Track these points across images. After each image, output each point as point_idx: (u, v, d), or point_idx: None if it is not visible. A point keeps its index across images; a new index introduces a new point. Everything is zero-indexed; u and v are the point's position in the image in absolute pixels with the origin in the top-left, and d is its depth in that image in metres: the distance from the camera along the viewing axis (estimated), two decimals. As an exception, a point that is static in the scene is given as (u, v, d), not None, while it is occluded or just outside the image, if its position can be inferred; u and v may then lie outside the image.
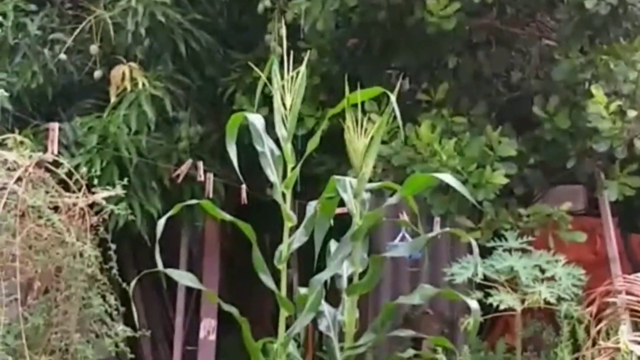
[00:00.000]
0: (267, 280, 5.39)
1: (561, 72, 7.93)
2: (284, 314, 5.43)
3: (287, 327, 5.47)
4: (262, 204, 8.84)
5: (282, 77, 5.57)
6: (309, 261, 5.79)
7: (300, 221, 5.59)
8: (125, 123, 8.55)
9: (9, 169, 6.61)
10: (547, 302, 7.30)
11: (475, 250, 5.22)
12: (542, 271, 7.51)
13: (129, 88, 8.53)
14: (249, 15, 9.28)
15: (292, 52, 5.61)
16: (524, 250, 7.68)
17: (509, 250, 7.67)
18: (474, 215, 7.97)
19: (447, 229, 6.46)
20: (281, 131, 5.45)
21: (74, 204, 6.79)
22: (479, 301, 6.67)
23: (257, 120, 5.53)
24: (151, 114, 8.52)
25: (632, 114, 7.52)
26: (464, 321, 7.51)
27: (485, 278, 7.50)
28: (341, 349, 5.51)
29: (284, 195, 5.45)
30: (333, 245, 5.56)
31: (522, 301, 7.37)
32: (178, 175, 8.51)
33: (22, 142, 7.08)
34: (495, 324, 9.03)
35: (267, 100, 6.94)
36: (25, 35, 9.06)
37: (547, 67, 8.40)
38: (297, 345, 5.92)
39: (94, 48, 8.79)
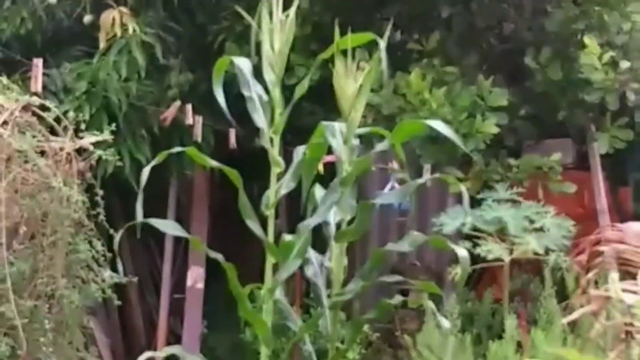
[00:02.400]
0: (255, 226, 5.33)
1: (554, 23, 7.89)
2: (270, 260, 5.39)
3: (274, 274, 5.44)
4: (252, 154, 8.81)
5: (271, 22, 5.48)
6: (298, 212, 5.76)
7: (288, 168, 5.53)
8: (115, 69, 8.48)
9: (-5, 112, 6.57)
10: (535, 253, 7.30)
11: (465, 198, 5.18)
12: (531, 222, 7.49)
13: (119, 34, 8.43)
14: (241, -39, 9.19)
15: (284, 1, 5.52)
16: (513, 202, 7.67)
17: (498, 201, 7.66)
18: (464, 166, 7.95)
19: (437, 175, 6.41)
20: (269, 76, 5.37)
21: (61, 149, 6.75)
22: (467, 251, 6.68)
23: (244, 64, 5.44)
24: (142, 60, 8.45)
25: (625, 65, 7.49)
26: (451, 271, 7.50)
27: (474, 229, 7.48)
28: (328, 295, 5.48)
29: (271, 140, 5.39)
30: (319, 191, 5.50)
31: (511, 252, 7.36)
32: (167, 121, 8.47)
33: (9, 88, 7.00)
34: (482, 276, 9.04)
35: (257, 49, 6.88)
36: (14, -19, 8.97)
37: (539, 19, 8.35)
38: (285, 292, 5.88)
39: (84, -8, 8.70)
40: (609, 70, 7.47)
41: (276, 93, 5.37)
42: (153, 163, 5.35)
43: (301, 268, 5.52)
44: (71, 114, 7.09)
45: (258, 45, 7.61)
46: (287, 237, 5.37)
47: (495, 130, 7.56)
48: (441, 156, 7.57)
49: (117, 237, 5.43)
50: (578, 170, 8.79)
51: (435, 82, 7.77)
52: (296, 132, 6.45)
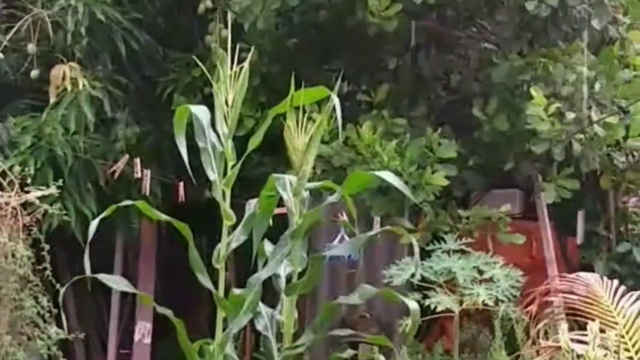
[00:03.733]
0: (205, 280, 5.28)
1: (500, 74, 7.95)
2: (221, 314, 5.33)
3: (224, 328, 5.37)
4: (198, 206, 8.78)
5: (224, 75, 5.46)
6: (245, 264, 5.72)
7: (238, 221, 5.48)
8: (62, 124, 8.41)
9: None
10: (484, 304, 7.30)
11: (416, 250, 5.18)
12: (480, 273, 7.50)
13: (69, 88, 8.37)
14: (188, 15, 9.22)
15: (232, 53, 5.52)
16: (462, 252, 7.67)
17: (448, 252, 7.66)
18: (412, 217, 7.95)
19: (388, 227, 6.40)
20: (222, 128, 5.34)
21: (7, 203, 6.68)
22: (417, 303, 6.67)
23: (202, 113, 5.40)
24: (90, 114, 8.39)
25: (570, 116, 7.55)
26: (401, 323, 7.46)
27: (424, 280, 7.47)
28: (279, 349, 5.43)
29: (223, 193, 5.34)
30: (268, 245, 5.46)
31: (460, 303, 7.35)
32: (114, 175, 8.41)
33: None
34: (432, 327, 9.02)
35: (206, 101, 6.86)
36: (-41, 35, 8.88)
37: (486, 70, 8.42)
38: (235, 347, 5.81)
39: (31, 47, 8.62)
40: (555, 121, 7.53)
41: (229, 145, 5.33)
42: (102, 215, 5.29)
43: (251, 321, 5.47)
44: (17, 169, 7.02)
45: (204, 97, 7.59)
46: (237, 291, 5.32)
47: (444, 182, 7.59)
48: (391, 207, 7.56)
49: (62, 291, 5.34)
50: (526, 220, 8.82)
51: (384, 133, 7.78)
52: (243, 184, 6.42)
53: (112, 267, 9.46)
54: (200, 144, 5.32)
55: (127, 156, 8.43)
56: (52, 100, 8.43)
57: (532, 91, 7.57)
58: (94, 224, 5.21)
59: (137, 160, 8.25)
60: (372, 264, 9.52)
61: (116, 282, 5.66)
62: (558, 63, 7.88)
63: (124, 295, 9.69)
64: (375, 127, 7.77)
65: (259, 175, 8.10)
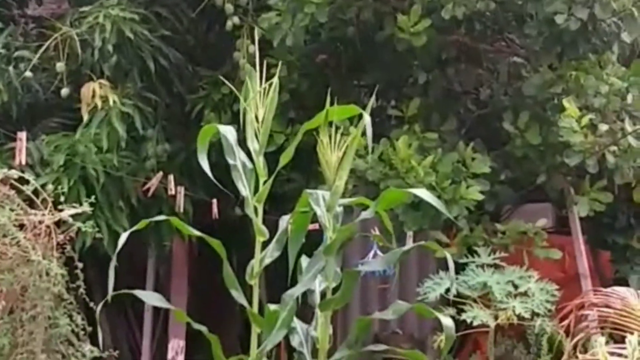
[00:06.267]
0: (239, 296, 5.27)
1: (532, 86, 7.91)
2: (255, 330, 5.31)
3: (259, 344, 5.35)
4: (229, 223, 8.79)
5: (253, 91, 5.45)
6: (274, 280, 5.71)
7: (270, 237, 5.47)
8: (94, 142, 8.42)
9: (-29, 186, 6.53)
10: (520, 318, 7.26)
11: (451, 265, 5.15)
12: (515, 287, 7.47)
13: (99, 105, 8.40)
14: (216, 32, 9.25)
15: (260, 69, 5.51)
16: (496, 266, 7.64)
17: (482, 266, 7.63)
18: (445, 231, 7.93)
19: (422, 242, 6.37)
20: (253, 145, 5.33)
21: (40, 222, 6.70)
22: (451, 318, 6.63)
23: (228, 132, 5.41)
24: (122, 132, 8.41)
25: (603, 127, 7.50)
26: (435, 339, 7.44)
27: (458, 294, 7.44)
28: (314, 365, 5.41)
29: (255, 209, 5.33)
30: (304, 261, 5.44)
31: (496, 317, 7.32)
32: (146, 193, 8.42)
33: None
34: (465, 342, 8.98)
35: (235, 118, 6.85)
36: (-11, 54, 8.93)
37: (515, 83, 8.39)
38: (268, 364, 5.79)
39: (60, 65, 8.62)
40: (588, 133, 7.48)
41: (260, 162, 5.32)
42: (132, 229, 5.27)
43: (286, 337, 5.45)
44: (50, 187, 7.04)
45: (234, 114, 7.58)
46: (272, 307, 5.30)
47: (479, 197, 7.56)
48: (424, 222, 7.53)
49: (98, 308, 5.32)
50: (558, 234, 8.77)
51: (417, 148, 7.76)
52: (274, 200, 6.41)
53: (144, 286, 9.45)
54: (230, 161, 5.31)
55: (160, 173, 8.44)
56: (85, 117, 8.44)
57: (565, 103, 7.52)
58: (123, 237, 5.18)
59: (171, 177, 8.25)
60: (404, 278, 9.49)
61: (150, 298, 5.68)
62: (589, 75, 7.83)
63: (156, 312, 9.71)
64: (409, 142, 7.75)
65: (289, 191, 8.12)
